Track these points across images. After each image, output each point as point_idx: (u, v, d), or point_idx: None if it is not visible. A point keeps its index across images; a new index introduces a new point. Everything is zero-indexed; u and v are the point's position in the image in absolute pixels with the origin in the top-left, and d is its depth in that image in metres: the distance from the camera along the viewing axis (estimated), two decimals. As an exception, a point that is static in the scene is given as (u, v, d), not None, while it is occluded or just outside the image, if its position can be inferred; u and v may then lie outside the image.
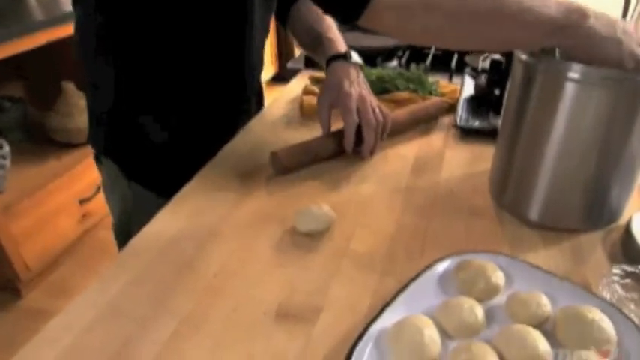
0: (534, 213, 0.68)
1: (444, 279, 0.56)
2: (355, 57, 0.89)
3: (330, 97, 0.82)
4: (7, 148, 1.78)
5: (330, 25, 0.96)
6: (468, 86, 1.05)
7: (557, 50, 0.62)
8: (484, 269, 0.55)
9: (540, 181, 0.66)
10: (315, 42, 0.94)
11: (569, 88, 0.58)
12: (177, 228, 0.67)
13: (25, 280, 1.81)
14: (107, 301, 0.55)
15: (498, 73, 0.89)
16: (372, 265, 0.61)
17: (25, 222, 1.75)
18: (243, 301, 0.55)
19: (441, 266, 0.57)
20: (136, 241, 0.65)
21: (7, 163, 1.79)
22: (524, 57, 0.62)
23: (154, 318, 0.53)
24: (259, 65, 0.98)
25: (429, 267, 0.57)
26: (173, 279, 0.58)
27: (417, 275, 0.56)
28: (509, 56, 0.86)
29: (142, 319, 0.53)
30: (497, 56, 0.92)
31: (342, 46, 0.91)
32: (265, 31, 0.95)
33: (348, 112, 0.80)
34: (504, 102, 0.69)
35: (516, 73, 0.65)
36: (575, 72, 0.57)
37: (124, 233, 0.91)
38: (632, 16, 1.28)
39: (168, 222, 0.68)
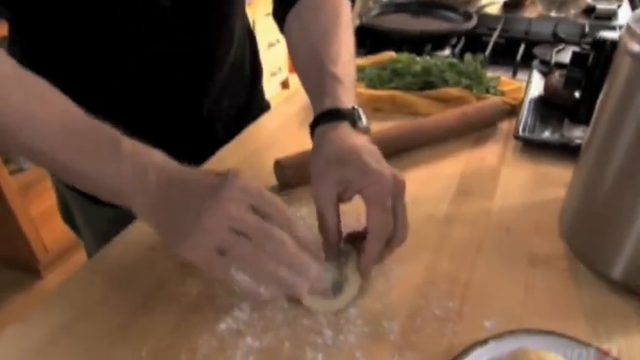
0: (619, 270, 0.48)
1: (487, 376, 0.38)
2: (364, 119, 0.53)
3: (337, 175, 0.47)
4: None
5: (340, 52, 0.58)
6: (535, 85, 0.84)
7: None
8: (550, 369, 0.36)
9: (638, 225, 0.46)
10: (312, 73, 0.59)
11: None
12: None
13: (44, 261, 1.76)
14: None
15: (582, 70, 0.68)
16: (384, 334, 0.44)
17: (45, 203, 1.68)
18: None
19: (484, 354, 0.39)
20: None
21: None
22: (638, 48, 0.42)
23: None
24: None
25: (464, 353, 0.39)
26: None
27: (448, 365, 0.38)
28: (599, 48, 0.65)
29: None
30: (579, 47, 0.71)
31: (348, 93, 0.55)
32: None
33: (379, 207, 0.46)
34: (597, 109, 0.49)
35: (621, 70, 0.44)
36: None
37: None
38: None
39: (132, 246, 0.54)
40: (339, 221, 0.48)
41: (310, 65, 0.59)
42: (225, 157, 0.71)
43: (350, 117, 0.52)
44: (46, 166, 0.49)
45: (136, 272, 0.50)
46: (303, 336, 0.44)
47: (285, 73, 3.01)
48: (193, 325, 0.45)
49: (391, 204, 0.46)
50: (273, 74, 2.85)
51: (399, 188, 0.47)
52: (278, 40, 2.80)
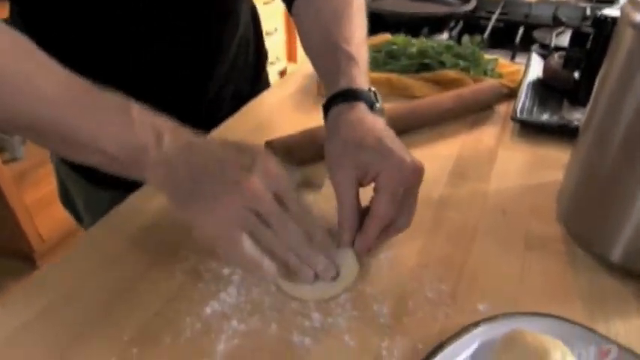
0: (618, 253, 0.47)
1: (479, 359, 0.37)
2: (380, 101, 0.52)
3: (356, 159, 0.45)
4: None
5: (354, 33, 0.56)
6: (535, 67, 0.82)
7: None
8: (543, 352, 0.35)
9: (638, 207, 0.45)
10: (325, 53, 0.56)
11: None
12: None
13: (40, 251, 1.75)
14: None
15: (582, 50, 0.66)
16: (374, 317, 0.42)
17: (39, 192, 1.67)
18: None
19: (477, 336, 0.38)
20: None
21: (26, 128, 1.71)
22: (640, 18, 0.40)
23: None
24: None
25: (457, 335, 0.38)
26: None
27: (439, 347, 0.37)
28: (599, 26, 0.63)
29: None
30: (579, 27, 0.69)
31: (363, 74, 0.53)
32: None
33: (388, 194, 0.44)
34: (596, 85, 0.47)
35: (623, 43, 0.43)
36: None
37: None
38: None
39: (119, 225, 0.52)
40: (359, 208, 0.46)
41: (323, 45, 0.57)
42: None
43: (367, 98, 0.50)
44: (48, 139, 0.44)
45: (121, 256, 0.49)
46: (290, 319, 0.42)
47: (283, 63, 2.98)
48: (178, 309, 0.43)
49: (405, 192, 0.45)
50: (272, 63, 2.82)
51: (417, 176, 0.45)
52: (276, 29, 2.77)
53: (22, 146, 1.69)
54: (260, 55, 0.85)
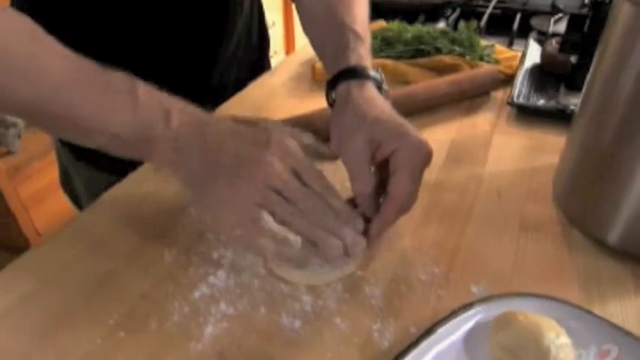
0: (615, 234, 0.46)
1: (474, 342, 0.36)
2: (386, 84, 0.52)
3: (370, 132, 0.44)
4: (20, 107, 1.69)
5: (358, 13, 0.56)
6: (532, 53, 0.81)
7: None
8: (537, 331, 0.34)
9: (636, 187, 0.44)
10: (331, 31, 0.55)
11: None
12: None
13: (36, 244, 1.73)
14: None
15: (579, 34, 0.65)
16: (366, 300, 0.42)
17: (35, 186, 1.66)
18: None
19: (470, 317, 0.37)
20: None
21: (21, 121, 1.70)
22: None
23: (37, 356, 0.37)
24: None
25: (449, 317, 0.37)
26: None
27: (431, 330, 0.36)
28: (597, 8, 0.62)
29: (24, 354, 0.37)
30: (578, 9, 0.68)
31: (369, 56, 0.53)
32: None
33: (408, 174, 0.43)
34: (594, 64, 0.46)
35: (620, 19, 0.42)
36: None
37: None
38: None
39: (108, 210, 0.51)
40: (376, 183, 0.44)
41: (328, 24, 0.56)
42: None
43: (376, 78, 0.49)
44: (56, 123, 0.41)
45: (108, 241, 0.48)
46: (280, 302, 0.41)
47: (281, 56, 2.96)
48: (166, 293, 0.42)
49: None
50: (270, 57, 2.80)
51: (430, 158, 0.44)
52: (274, 23, 2.75)
53: (18, 140, 1.68)
54: (263, 40, 0.85)
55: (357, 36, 0.52)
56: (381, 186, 0.45)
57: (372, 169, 0.45)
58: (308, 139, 0.52)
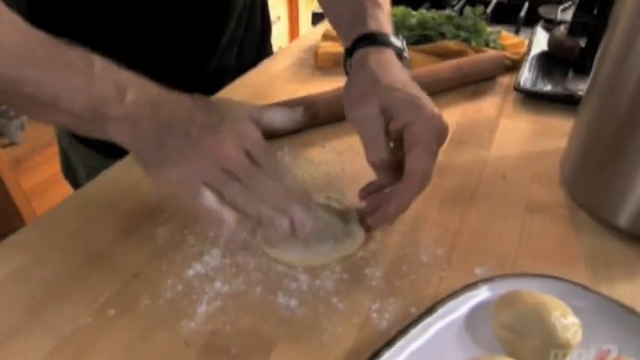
0: (624, 216, 0.44)
1: (475, 321, 0.35)
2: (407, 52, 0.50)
3: (384, 99, 0.42)
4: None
5: None
6: (539, 40, 0.79)
7: None
8: (543, 309, 0.33)
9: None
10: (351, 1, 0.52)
11: None
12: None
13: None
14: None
15: (588, 15, 0.63)
16: (366, 280, 0.40)
17: (37, 177, 1.66)
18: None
19: (474, 297, 0.36)
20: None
21: (24, 113, 1.70)
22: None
23: (25, 332, 0.36)
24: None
25: (451, 297, 0.35)
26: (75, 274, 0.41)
27: (432, 308, 0.35)
28: (607, -13, 0.60)
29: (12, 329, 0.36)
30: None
31: (389, 24, 0.50)
32: None
33: (426, 148, 0.40)
34: (602, 46, 0.45)
35: (629, 1, 0.40)
36: None
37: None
38: None
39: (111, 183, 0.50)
40: (387, 139, 0.41)
41: None
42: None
43: (396, 46, 0.47)
44: (11, 98, 0.40)
45: (102, 219, 0.47)
46: (276, 281, 0.40)
47: (285, 51, 2.95)
48: (158, 271, 0.41)
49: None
50: (272, 43, 2.79)
51: (444, 135, 0.41)
52: (279, 17, 2.74)
53: (20, 131, 1.68)
54: (265, 27, 0.84)
55: (376, 3, 0.50)
56: (397, 168, 0.42)
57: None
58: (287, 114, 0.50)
